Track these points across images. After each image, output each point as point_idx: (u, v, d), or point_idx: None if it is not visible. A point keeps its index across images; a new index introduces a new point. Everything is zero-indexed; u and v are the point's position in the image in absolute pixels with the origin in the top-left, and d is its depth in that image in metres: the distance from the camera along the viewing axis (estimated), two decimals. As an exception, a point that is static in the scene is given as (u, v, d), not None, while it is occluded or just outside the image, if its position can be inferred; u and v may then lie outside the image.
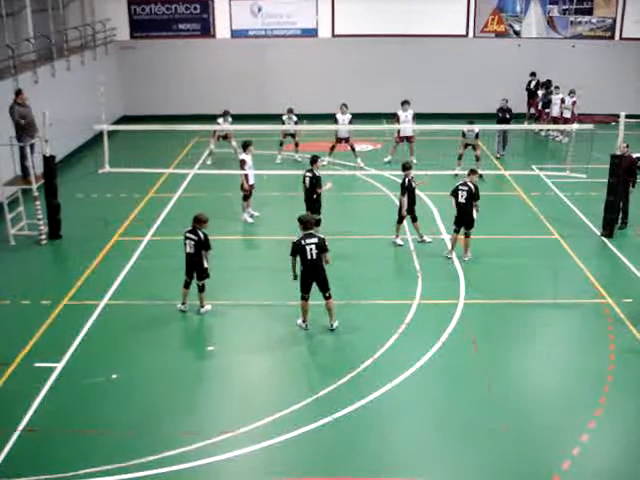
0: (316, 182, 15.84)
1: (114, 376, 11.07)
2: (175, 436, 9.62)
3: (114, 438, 9.64)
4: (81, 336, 12.24)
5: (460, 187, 15.02)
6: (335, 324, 12.26)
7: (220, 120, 22.04)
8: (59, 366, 11.29)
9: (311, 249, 11.72)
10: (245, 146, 17.41)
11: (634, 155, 17.60)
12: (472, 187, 14.96)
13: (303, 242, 11.76)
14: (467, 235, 15.20)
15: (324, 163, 22.02)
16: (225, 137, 22.62)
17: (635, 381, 11.00)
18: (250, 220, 17.71)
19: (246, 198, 17.65)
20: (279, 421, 9.92)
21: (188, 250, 12.69)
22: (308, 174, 15.98)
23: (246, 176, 17.23)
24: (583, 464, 9.13)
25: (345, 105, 22.15)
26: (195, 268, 12.77)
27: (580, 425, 9.84)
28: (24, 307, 13.38)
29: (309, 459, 9.35)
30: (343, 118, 22.02)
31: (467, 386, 10.88)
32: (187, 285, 12.98)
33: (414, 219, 16.14)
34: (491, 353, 11.80)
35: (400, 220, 16.10)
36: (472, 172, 15.27)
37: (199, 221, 12.63)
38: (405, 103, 22.20)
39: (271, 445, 9.49)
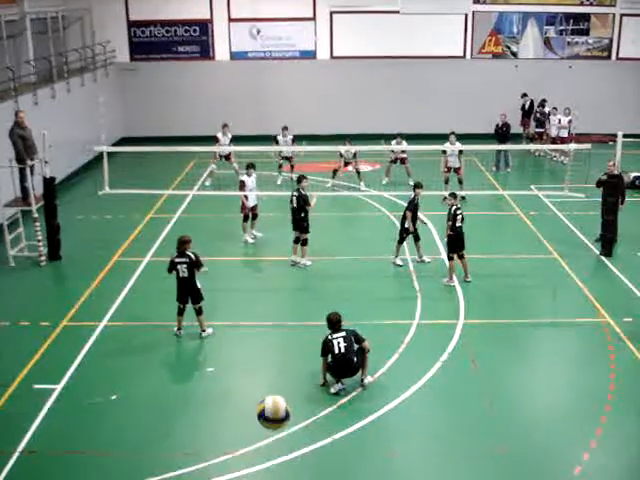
0: (304, 201, 15.95)
1: (113, 397, 11.05)
2: (175, 457, 9.58)
3: (114, 459, 9.60)
4: (80, 357, 12.22)
5: (457, 212, 14.97)
6: (367, 380, 11.27)
7: (219, 134, 22.18)
8: (58, 387, 11.26)
9: (339, 342, 10.99)
10: (247, 168, 17.50)
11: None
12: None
13: (330, 337, 11.12)
14: (463, 256, 15.19)
15: (328, 185, 22.14)
16: (227, 157, 22.72)
17: (636, 400, 10.98)
18: (251, 241, 17.75)
19: (246, 219, 17.71)
20: (279, 442, 9.85)
21: (182, 275, 12.60)
22: (295, 193, 16.08)
23: (245, 197, 17.30)
24: (585, 484, 9.09)
25: (349, 141, 21.72)
26: (190, 292, 12.69)
27: (581, 445, 9.81)
28: (23, 328, 13.35)
29: (309, 480, 9.30)
30: (347, 149, 21.94)
31: (467, 406, 10.84)
32: (181, 312, 12.89)
33: (417, 238, 16.18)
34: (491, 373, 11.78)
35: (401, 241, 16.13)
36: (453, 196, 15.27)
37: (185, 242, 12.56)
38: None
39: (272, 466, 9.45)
